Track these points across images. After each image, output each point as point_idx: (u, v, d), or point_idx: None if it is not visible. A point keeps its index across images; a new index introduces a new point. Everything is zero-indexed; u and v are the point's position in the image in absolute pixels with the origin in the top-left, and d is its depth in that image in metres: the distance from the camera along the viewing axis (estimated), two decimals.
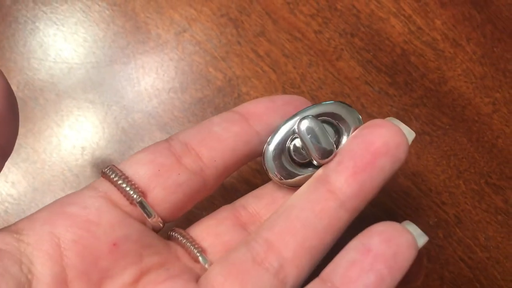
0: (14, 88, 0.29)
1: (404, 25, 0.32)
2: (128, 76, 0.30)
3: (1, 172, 0.28)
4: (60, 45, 0.30)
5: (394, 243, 0.17)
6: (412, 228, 0.18)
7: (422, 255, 0.29)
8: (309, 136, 0.19)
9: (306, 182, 0.20)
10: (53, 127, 0.29)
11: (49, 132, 0.29)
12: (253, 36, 0.31)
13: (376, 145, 0.18)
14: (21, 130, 0.29)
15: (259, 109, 0.21)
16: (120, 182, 0.19)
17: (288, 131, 0.20)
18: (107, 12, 0.31)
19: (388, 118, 0.20)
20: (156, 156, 0.19)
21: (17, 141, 0.29)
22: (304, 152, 0.20)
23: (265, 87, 0.30)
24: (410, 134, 0.19)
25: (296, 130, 0.19)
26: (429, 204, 0.29)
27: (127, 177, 0.19)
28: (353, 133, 0.20)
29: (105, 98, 0.30)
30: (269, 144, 0.20)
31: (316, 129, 0.19)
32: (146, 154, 0.20)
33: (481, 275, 0.29)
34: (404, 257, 0.17)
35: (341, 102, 0.21)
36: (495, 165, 0.30)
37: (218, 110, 0.30)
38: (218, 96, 0.30)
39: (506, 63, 0.32)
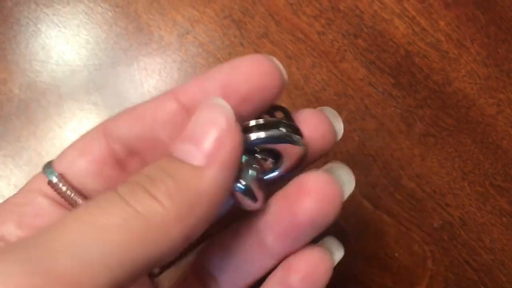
0: (16, 90, 0.29)
1: (408, 26, 0.32)
2: (131, 78, 0.30)
3: (4, 174, 0.28)
4: (62, 47, 0.30)
5: (311, 279, 0.18)
6: (331, 245, 0.20)
7: (427, 257, 0.28)
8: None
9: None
10: (55, 129, 0.29)
11: (51, 134, 0.29)
12: (256, 37, 0.31)
13: (301, 219, 0.18)
14: (23, 133, 0.29)
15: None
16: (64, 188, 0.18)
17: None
18: (109, 13, 0.31)
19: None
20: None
21: (19, 144, 0.28)
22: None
23: None
24: (349, 184, 0.19)
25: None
26: (433, 206, 0.29)
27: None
28: (280, 195, 0.18)
29: (108, 100, 0.30)
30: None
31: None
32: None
33: (486, 277, 0.29)
34: (323, 283, 0.18)
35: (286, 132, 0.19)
36: (500, 166, 0.30)
37: None
38: None
39: (510, 64, 0.32)
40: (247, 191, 0.17)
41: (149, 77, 0.30)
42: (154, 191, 0.15)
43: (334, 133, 0.19)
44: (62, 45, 0.30)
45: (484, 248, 0.29)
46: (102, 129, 0.19)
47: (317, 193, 0.18)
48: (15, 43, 0.30)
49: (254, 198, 0.18)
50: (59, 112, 0.29)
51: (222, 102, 0.16)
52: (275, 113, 0.19)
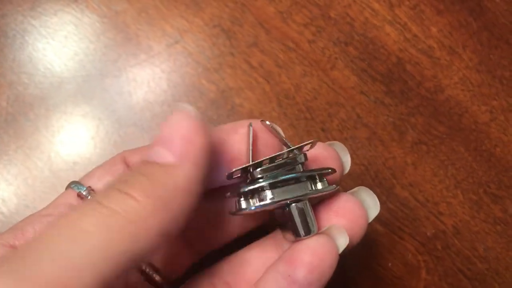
0: (3, 103, 0.29)
1: (399, 33, 0.31)
2: (119, 89, 0.30)
3: None
4: (50, 59, 0.30)
5: (318, 271, 0.18)
6: (336, 232, 0.19)
7: (420, 267, 0.28)
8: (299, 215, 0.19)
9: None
10: (44, 142, 0.29)
11: (40, 148, 0.29)
12: (246, 46, 0.30)
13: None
14: (11, 147, 0.28)
15: None
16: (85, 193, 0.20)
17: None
18: (97, 24, 0.30)
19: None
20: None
21: (7, 158, 0.28)
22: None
23: (258, 99, 0.30)
24: (375, 207, 0.21)
25: (286, 209, 0.19)
26: (426, 215, 0.29)
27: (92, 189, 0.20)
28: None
29: (96, 112, 0.29)
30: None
31: (306, 210, 0.19)
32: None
33: (480, 286, 0.28)
34: (327, 276, 0.18)
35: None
36: (494, 174, 0.30)
37: (212, 122, 0.29)
38: (212, 109, 0.30)
39: (503, 70, 0.31)
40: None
41: (138, 88, 0.30)
42: (129, 190, 0.16)
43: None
44: (50, 57, 0.30)
45: (478, 257, 0.29)
46: (121, 158, 0.22)
47: (347, 216, 0.20)
48: (2, 55, 0.30)
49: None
50: (48, 125, 0.29)
51: (187, 106, 0.17)
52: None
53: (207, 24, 0.31)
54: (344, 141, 0.29)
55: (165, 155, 0.16)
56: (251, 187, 0.18)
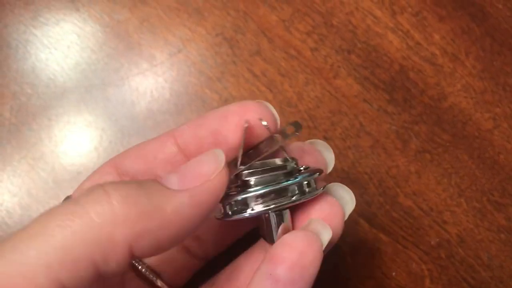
0: (7, 114, 0.29)
1: (402, 40, 0.31)
2: (122, 98, 0.30)
3: None
4: (52, 69, 0.30)
5: (299, 266, 0.17)
6: (317, 226, 0.19)
7: (425, 276, 0.28)
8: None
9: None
10: (47, 153, 0.29)
11: (43, 158, 0.29)
12: (248, 55, 0.30)
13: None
14: (15, 157, 0.28)
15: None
16: None
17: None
18: (99, 34, 0.30)
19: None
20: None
21: (11, 168, 0.28)
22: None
23: None
24: (351, 202, 0.21)
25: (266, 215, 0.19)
26: (430, 224, 0.29)
27: None
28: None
29: (99, 122, 0.29)
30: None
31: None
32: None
33: None
34: (312, 272, 0.17)
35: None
36: (497, 182, 0.30)
37: None
38: None
39: (506, 77, 0.31)
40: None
41: (140, 97, 0.30)
42: (112, 193, 0.15)
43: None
44: (52, 67, 0.30)
45: (482, 265, 0.29)
46: (113, 164, 0.21)
47: (325, 215, 0.19)
48: (5, 66, 0.30)
49: None
50: (51, 135, 0.29)
51: (220, 153, 0.17)
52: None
53: (209, 33, 0.31)
54: (347, 149, 0.29)
55: (173, 182, 0.16)
56: (238, 198, 0.18)
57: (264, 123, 0.19)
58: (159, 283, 0.22)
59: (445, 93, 0.31)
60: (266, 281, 0.17)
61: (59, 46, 0.30)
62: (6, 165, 0.28)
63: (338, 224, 0.20)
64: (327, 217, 0.19)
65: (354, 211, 0.29)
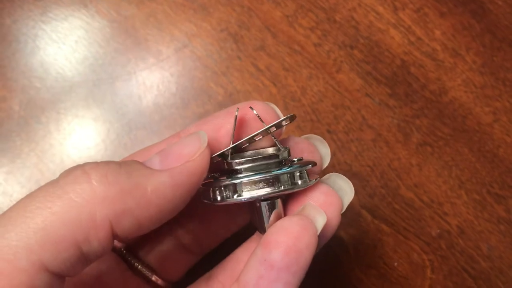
0: (16, 107, 0.30)
1: (403, 36, 0.32)
2: (129, 93, 0.30)
3: (6, 191, 0.28)
4: (61, 63, 0.30)
5: (294, 251, 0.17)
6: (311, 210, 0.19)
7: (426, 266, 0.29)
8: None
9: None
10: (55, 145, 0.29)
11: (52, 151, 0.29)
12: (253, 50, 0.31)
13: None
14: (24, 150, 0.29)
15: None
16: None
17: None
18: (107, 29, 0.31)
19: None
20: None
21: (21, 161, 0.29)
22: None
23: (265, 101, 0.30)
24: (350, 193, 0.20)
25: (258, 204, 0.19)
26: (431, 215, 0.29)
27: None
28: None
29: (107, 116, 0.30)
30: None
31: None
32: None
33: (485, 285, 0.29)
34: (307, 257, 0.17)
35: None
36: (497, 174, 0.30)
37: None
38: None
39: (506, 72, 0.32)
40: None
41: (147, 91, 0.30)
42: (92, 172, 0.15)
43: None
44: (61, 61, 0.30)
45: (482, 256, 0.29)
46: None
47: (323, 206, 0.19)
48: (14, 60, 0.30)
49: None
50: (59, 128, 0.30)
51: (203, 135, 0.17)
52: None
53: (214, 28, 0.31)
54: (350, 143, 0.30)
55: (155, 162, 0.17)
56: (227, 183, 0.18)
57: (255, 111, 0.19)
58: (154, 278, 0.22)
59: (445, 88, 0.31)
60: (260, 266, 0.17)
61: (67, 41, 0.31)
62: (16, 157, 0.29)
63: (334, 213, 0.19)
64: (322, 206, 0.19)
65: (357, 203, 0.30)
